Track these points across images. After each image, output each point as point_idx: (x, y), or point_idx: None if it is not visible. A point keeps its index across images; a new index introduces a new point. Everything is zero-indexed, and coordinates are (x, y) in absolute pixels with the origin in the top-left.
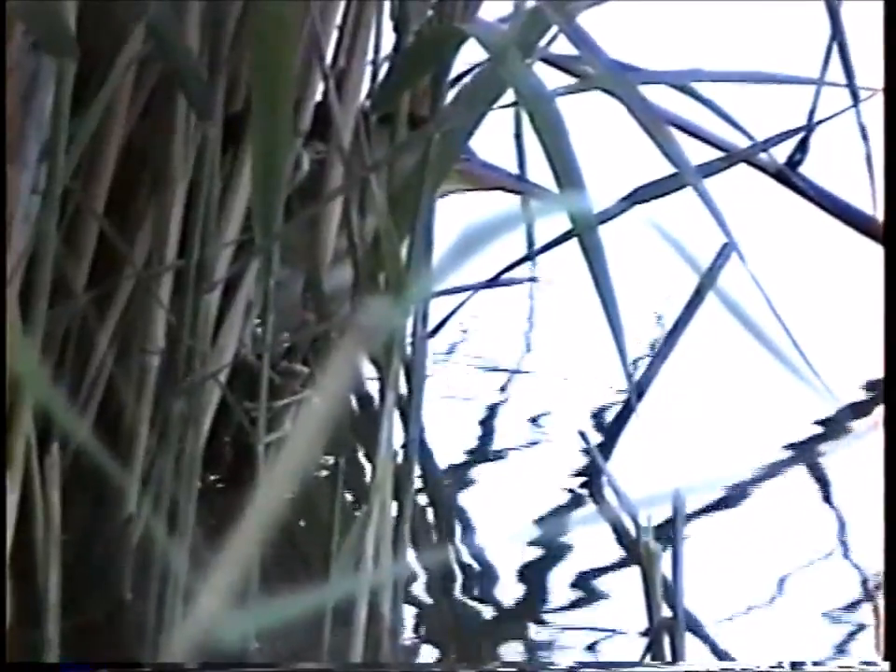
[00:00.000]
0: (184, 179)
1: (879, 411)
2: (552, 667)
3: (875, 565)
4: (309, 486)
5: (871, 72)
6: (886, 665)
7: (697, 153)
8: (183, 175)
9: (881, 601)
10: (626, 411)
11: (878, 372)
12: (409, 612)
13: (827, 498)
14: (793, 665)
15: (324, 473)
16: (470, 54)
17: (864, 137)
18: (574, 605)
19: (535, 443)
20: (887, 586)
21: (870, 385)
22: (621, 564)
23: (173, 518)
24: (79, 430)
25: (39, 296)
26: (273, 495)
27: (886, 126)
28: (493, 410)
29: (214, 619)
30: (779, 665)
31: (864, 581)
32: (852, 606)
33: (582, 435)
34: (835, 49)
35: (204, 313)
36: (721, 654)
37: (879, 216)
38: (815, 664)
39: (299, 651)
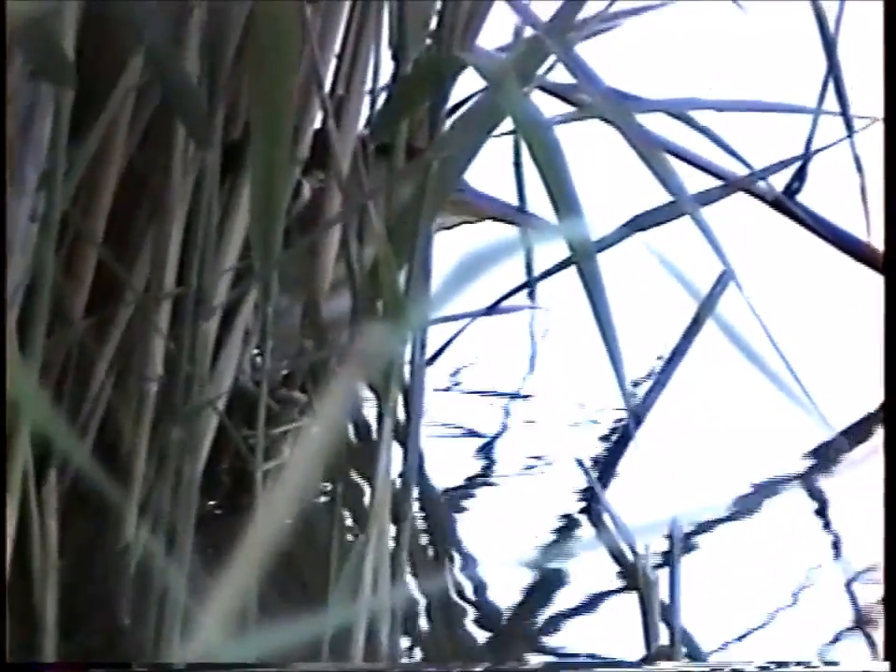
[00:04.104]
0: (182, 206)
1: (878, 436)
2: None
3: (871, 592)
4: (307, 513)
5: (866, 101)
6: (886, 666)
7: (695, 181)
8: (181, 203)
9: (880, 602)
10: (625, 438)
11: (875, 399)
12: (406, 639)
13: (825, 523)
14: (787, 664)
15: (322, 500)
16: (469, 83)
17: (859, 167)
18: (572, 630)
19: (534, 470)
20: (887, 586)
21: (868, 412)
22: (619, 590)
23: (171, 545)
24: (79, 453)
25: (38, 323)
26: (272, 522)
27: (886, 144)
28: (492, 436)
29: (212, 646)
30: (781, 664)
31: (858, 607)
32: (849, 628)
33: (580, 462)
34: (831, 79)
35: (203, 340)
36: None
37: (874, 243)
38: (802, 664)
39: None
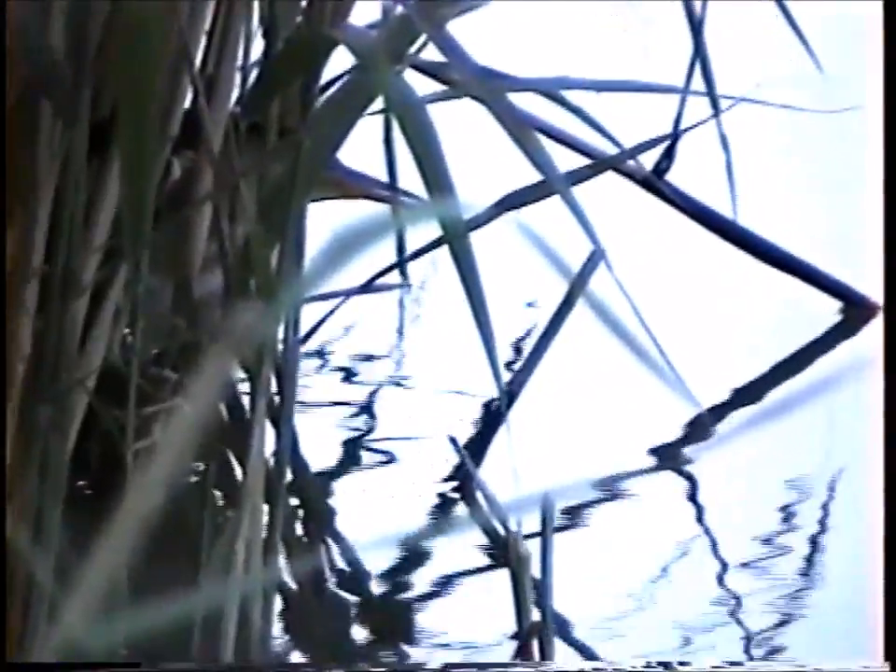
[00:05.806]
0: (49, 185)
1: (741, 414)
2: (425, 668)
3: (738, 557)
4: (179, 493)
5: (731, 81)
6: (886, 666)
7: (566, 160)
8: (48, 181)
9: (880, 600)
10: (497, 416)
11: (739, 377)
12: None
13: (693, 498)
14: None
15: (194, 480)
16: (340, 61)
17: (725, 145)
18: (444, 607)
19: (406, 448)
20: (886, 586)
21: (733, 390)
22: (491, 567)
23: (38, 526)
24: None
25: None
26: (142, 502)
27: (885, 140)
28: (365, 415)
29: (80, 626)
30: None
31: (726, 581)
32: (718, 602)
33: (453, 440)
34: (698, 59)
35: (71, 319)
36: (589, 657)
37: (739, 221)
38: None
39: (166, 654)
